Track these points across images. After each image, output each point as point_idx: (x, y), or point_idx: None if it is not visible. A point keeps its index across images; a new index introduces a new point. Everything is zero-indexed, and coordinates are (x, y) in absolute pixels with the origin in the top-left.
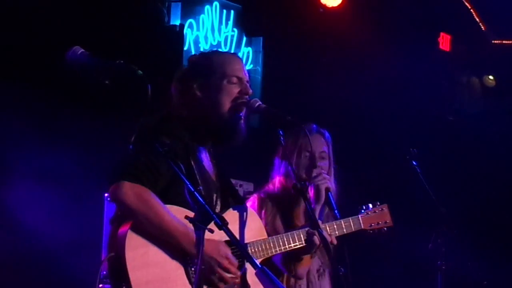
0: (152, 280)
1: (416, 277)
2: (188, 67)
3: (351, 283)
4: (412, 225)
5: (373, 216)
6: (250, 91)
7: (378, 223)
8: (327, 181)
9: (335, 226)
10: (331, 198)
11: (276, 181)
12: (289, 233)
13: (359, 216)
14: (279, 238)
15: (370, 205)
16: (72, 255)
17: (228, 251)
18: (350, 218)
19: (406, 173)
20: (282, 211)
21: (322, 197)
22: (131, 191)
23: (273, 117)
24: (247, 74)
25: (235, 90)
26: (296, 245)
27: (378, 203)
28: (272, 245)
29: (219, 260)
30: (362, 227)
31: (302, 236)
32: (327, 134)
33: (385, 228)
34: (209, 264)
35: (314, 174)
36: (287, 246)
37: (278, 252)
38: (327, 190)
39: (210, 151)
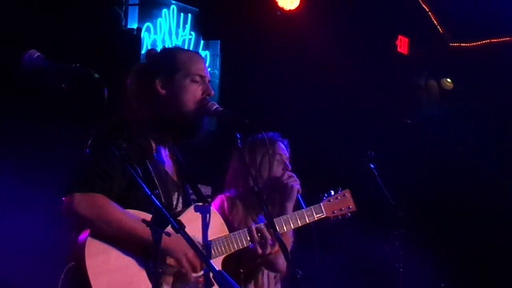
0: (114, 285)
1: (375, 279)
2: (149, 62)
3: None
4: (370, 229)
5: (336, 203)
6: (212, 92)
7: (341, 209)
8: (298, 184)
9: (297, 216)
10: (301, 199)
11: (239, 185)
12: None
13: (321, 203)
14: (241, 233)
15: (332, 192)
16: (27, 263)
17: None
18: (311, 207)
19: (364, 176)
20: (252, 211)
21: (294, 197)
22: (83, 201)
23: (231, 120)
24: (208, 74)
25: (198, 89)
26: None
27: (340, 189)
28: (234, 241)
29: (186, 250)
30: (325, 214)
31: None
32: (286, 142)
33: (349, 214)
34: (176, 256)
35: (286, 176)
36: (249, 241)
37: (241, 247)
38: (298, 192)
39: (170, 149)
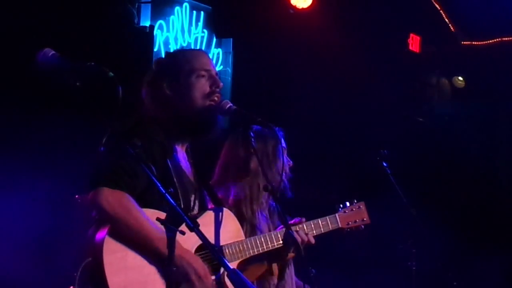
0: (130, 284)
1: (387, 277)
2: (155, 69)
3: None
4: (382, 227)
5: (351, 214)
6: (221, 83)
7: (355, 221)
8: None
9: (312, 226)
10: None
11: (230, 177)
12: (266, 234)
13: (336, 214)
14: (256, 239)
15: (347, 203)
16: (41, 258)
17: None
18: (327, 217)
19: (377, 174)
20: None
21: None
22: (111, 197)
23: (244, 118)
24: (214, 67)
25: (205, 84)
26: (274, 246)
27: (355, 201)
28: (249, 246)
29: (195, 266)
30: (340, 225)
31: (279, 236)
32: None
33: (363, 226)
34: (184, 270)
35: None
36: (264, 247)
37: (256, 253)
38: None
39: (188, 151)
